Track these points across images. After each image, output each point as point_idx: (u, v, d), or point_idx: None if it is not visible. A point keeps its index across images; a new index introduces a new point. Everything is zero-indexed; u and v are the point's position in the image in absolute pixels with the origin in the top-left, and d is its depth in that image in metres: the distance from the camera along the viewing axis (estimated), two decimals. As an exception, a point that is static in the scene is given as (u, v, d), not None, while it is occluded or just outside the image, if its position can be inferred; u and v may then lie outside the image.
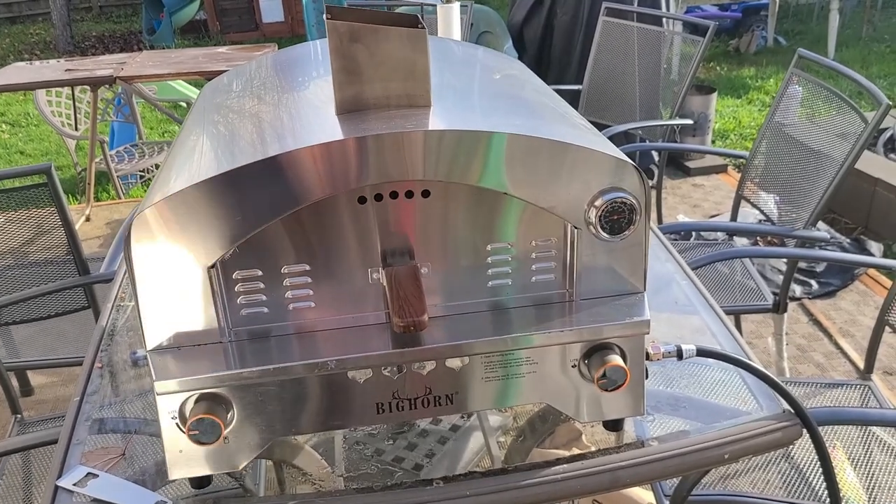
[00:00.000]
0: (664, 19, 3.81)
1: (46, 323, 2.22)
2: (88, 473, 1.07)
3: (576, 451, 1.43)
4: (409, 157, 0.91)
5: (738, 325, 2.62)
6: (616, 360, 1.02)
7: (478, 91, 1.19)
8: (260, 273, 0.97)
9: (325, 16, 0.94)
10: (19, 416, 1.92)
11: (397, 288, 0.95)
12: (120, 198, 4.39)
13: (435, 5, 2.33)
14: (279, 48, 4.46)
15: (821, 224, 3.67)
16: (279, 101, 1.13)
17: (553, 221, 1.00)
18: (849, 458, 1.74)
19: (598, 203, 0.97)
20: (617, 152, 0.98)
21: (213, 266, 0.93)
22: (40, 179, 1.94)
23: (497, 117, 1.06)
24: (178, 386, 0.94)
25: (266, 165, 0.88)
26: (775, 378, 1.16)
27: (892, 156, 4.12)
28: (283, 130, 0.97)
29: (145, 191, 4.65)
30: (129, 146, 4.74)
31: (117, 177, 4.37)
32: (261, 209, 0.90)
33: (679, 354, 1.12)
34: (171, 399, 0.95)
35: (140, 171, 4.59)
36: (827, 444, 1.75)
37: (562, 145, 0.94)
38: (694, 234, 3.35)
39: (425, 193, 0.96)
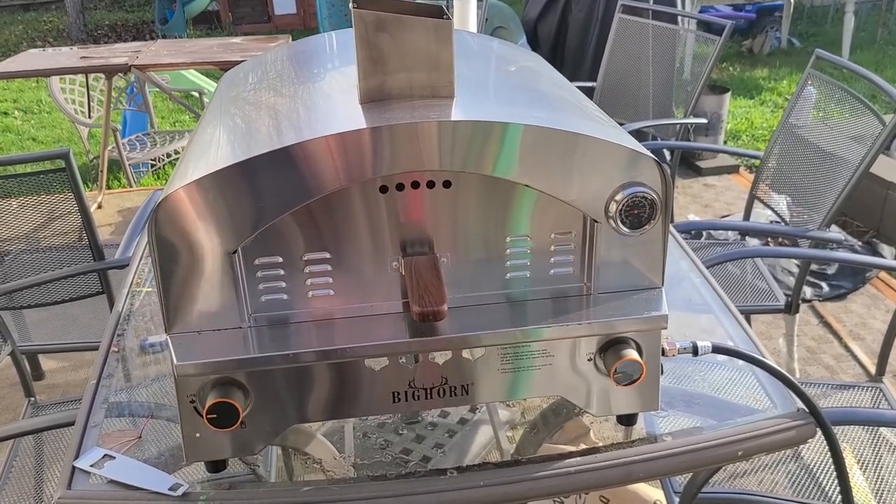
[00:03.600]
0: (679, 18, 3.80)
1: (57, 307, 2.23)
2: (105, 455, 1.08)
3: (583, 447, 1.43)
4: (425, 147, 0.91)
5: (748, 324, 2.62)
6: (632, 354, 1.02)
7: (497, 83, 1.19)
8: (281, 260, 0.97)
9: (351, 4, 0.94)
10: (32, 399, 1.93)
11: (417, 277, 0.96)
12: (131, 186, 4.41)
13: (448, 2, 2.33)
14: (292, 40, 4.47)
15: (833, 227, 3.66)
16: (301, 91, 1.13)
17: (572, 214, 1.00)
18: (857, 460, 1.74)
19: (618, 197, 0.97)
20: (638, 146, 0.98)
21: (234, 252, 0.94)
22: (57, 165, 1.95)
23: (516, 109, 1.06)
24: (198, 369, 0.95)
25: (289, 153, 0.88)
26: (789, 376, 1.16)
27: (905, 160, 4.10)
28: (307, 120, 0.98)
29: (156, 180, 4.66)
30: (142, 135, 4.75)
31: (129, 165, 4.39)
32: (283, 197, 0.91)
33: (695, 350, 1.12)
34: (190, 382, 0.96)
35: (151, 160, 4.61)
36: (837, 445, 1.76)
37: (583, 138, 0.94)
38: (705, 233, 3.35)
39: (446, 184, 0.96)
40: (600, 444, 1.40)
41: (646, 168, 0.97)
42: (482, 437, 2.03)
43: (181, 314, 0.96)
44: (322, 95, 1.08)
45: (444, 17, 0.96)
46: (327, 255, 0.98)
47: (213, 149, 0.98)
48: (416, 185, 0.96)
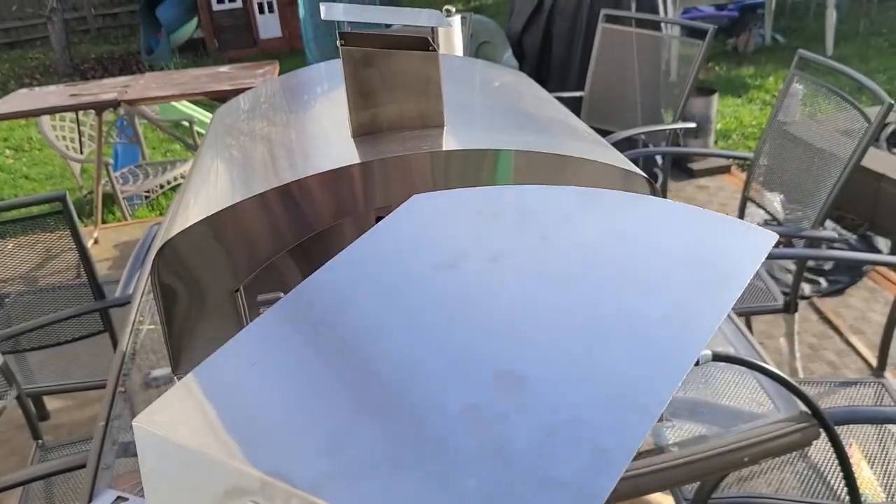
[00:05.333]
0: (662, 23, 3.84)
1: (60, 346, 2.23)
2: (118, 497, 1.09)
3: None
4: (419, 177, 0.92)
5: (748, 326, 2.63)
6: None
7: (485, 107, 1.21)
8: (283, 295, 0.98)
9: (339, 42, 0.96)
10: (41, 441, 1.93)
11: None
12: (126, 219, 4.42)
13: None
14: (279, 63, 4.49)
15: (827, 222, 3.68)
16: (294, 126, 1.15)
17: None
18: (864, 455, 1.75)
19: (612, 215, 0.99)
20: (626, 163, 1.00)
21: (237, 290, 0.95)
22: (54, 207, 1.96)
23: (506, 134, 1.08)
24: (206, 409, 0.96)
25: (286, 191, 0.90)
26: (791, 380, 1.17)
27: (895, 150, 4.14)
28: (302, 157, 0.99)
29: (151, 211, 4.67)
30: (134, 167, 4.77)
31: (123, 198, 4.40)
32: (282, 233, 0.92)
33: (696, 360, 1.13)
34: (199, 422, 0.97)
35: (145, 191, 4.62)
36: (843, 443, 1.77)
37: (573, 160, 0.96)
38: (700, 235, 3.35)
39: (442, 211, 0.98)
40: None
41: (636, 185, 0.98)
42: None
43: (187, 354, 0.97)
44: (315, 131, 1.09)
45: (430, 48, 0.98)
46: (328, 288, 0.99)
47: (209, 190, 1.00)
48: (411, 214, 0.98)
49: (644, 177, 0.99)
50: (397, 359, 0.51)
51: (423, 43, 0.99)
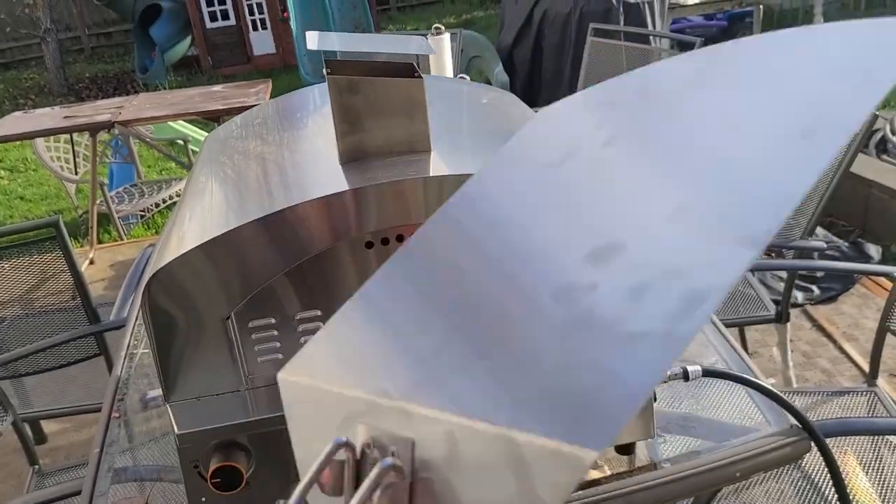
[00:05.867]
0: (651, 36, 3.87)
1: (55, 370, 2.24)
2: (114, 525, 1.09)
3: (590, 472, 1.44)
4: (406, 202, 0.94)
5: (742, 335, 2.64)
6: (624, 386, 1.04)
7: (471, 130, 1.22)
8: (274, 321, 0.99)
9: (325, 70, 0.97)
10: (37, 466, 1.93)
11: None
12: (122, 239, 4.43)
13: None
14: (272, 80, 4.51)
15: (819, 230, 3.70)
16: (283, 153, 1.16)
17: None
18: (860, 463, 1.76)
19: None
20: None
21: (228, 318, 0.96)
22: (48, 233, 1.97)
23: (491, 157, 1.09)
24: (199, 436, 0.97)
25: (274, 219, 0.91)
26: (780, 394, 1.18)
27: (884, 157, 4.16)
28: (289, 183, 1.01)
29: (146, 230, 4.68)
30: (129, 187, 4.78)
31: (118, 218, 4.41)
32: (270, 261, 0.93)
33: (685, 376, 1.14)
34: (192, 449, 0.98)
35: (141, 211, 4.63)
36: (837, 451, 1.77)
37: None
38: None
39: (430, 235, 0.99)
40: (606, 467, 1.42)
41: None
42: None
43: (179, 382, 0.98)
44: (303, 158, 1.11)
45: (416, 74, 0.99)
46: (319, 313, 1.01)
47: (198, 218, 1.01)
48: (400, 238, 0.99)
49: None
50: (498, 261, 0.53)
51: (409, 69, 1.01)
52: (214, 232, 0.92)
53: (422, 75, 0.99)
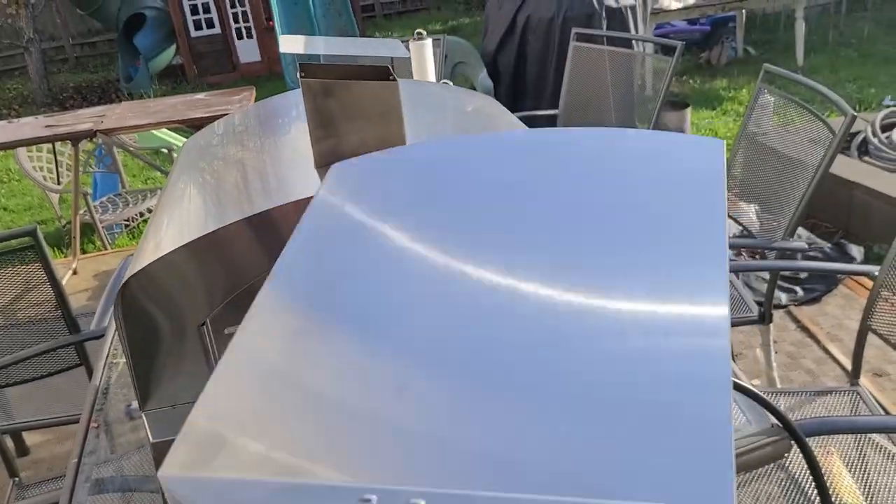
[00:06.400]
0: (634, 41, 3.89)
1: (39, 380, 2.21)
2: (90, 536, 1.08)
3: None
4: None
5: (727, 337, 2.65)
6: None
7: (449, 133, 1.22)
8: (249, 327, 0.98)
9: (299, 74, 0.97)
10: (17, 479, 1.91)
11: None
12: (106, 249, 4.40)
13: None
14: (257, 88, 4.50)
15: (801, 231, 3.72)
16: (259, 158, 1.15)
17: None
18: (845, 463, 1.76)
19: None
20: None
21: (202, 324, 0.95)
22: (26, 241, 1.95)
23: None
24: (175, 444, 0.95)
25: (248, 224, 0.90)
26: (760, 393, 1.18)
27: (866, 158, 4.19)
28: (265, 188, 1.00)
29: (131, 240, 4.65)
30: (113, 196, 4.75)
31: (102, 227, 4.38)
32: (245, 266, 0.92)
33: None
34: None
35: (125, 220, 4.60)
36: (822, 451, 1.78)
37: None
38: (678, 248, 3.38)
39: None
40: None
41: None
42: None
43: (154, 391, 0.97)
44: (280, 162, 1.10)
45: (391, 77, 0.99)
46: (295, 319, 1.00)
47: (171, 226, 1.00)
48: (376, 242, 0.98)
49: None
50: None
51: (384, 72, 1.01)
52: (186, 238, 0.91)
53: (396, 78, 0.98)
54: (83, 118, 3.85)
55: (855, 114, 2.01)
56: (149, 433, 0.95)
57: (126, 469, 1.33)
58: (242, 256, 0.92)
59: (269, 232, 0.91)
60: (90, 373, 2.14)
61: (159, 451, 0.95)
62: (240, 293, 0.95)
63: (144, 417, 0.97)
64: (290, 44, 1.00)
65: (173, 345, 0.95)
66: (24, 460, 2.68)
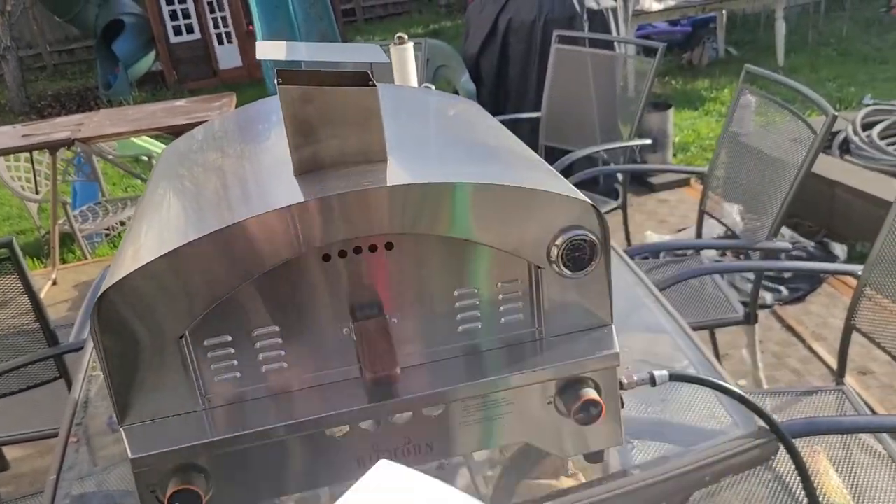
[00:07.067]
0: (616, 42, 3.89)
1: (19, 394, 2.18)
2: (69, 555, 1.06)
3: (563, 480, 1.43)
4: (362, 213, 0.92)
5: (713, 337, 2.65)
6: (590, 393, 1.03)
7: (434, 139, 1.21)
8: (230, 339, 0.97)
9: (276, 80, 0.95)
10: (-4, 494, 1.87)
11: (367, 343, 0.96)
12: (86, 258, 4.35)
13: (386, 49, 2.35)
14: (238, 93, 4.46)
15: (785, 230, 3.74)
16: (238, 165, 1.14)
17: (516, 263, 1.02)
18: (832, 462, 1.76)
19: (559, 242, 0.99)
20: (575, 192, 1.00)
21: (181, 336, 0.93)
22: (3, 253, 1.92)
23: (455, 166, 1.08)
24: (155, 460, 0.93)
25: (227, 234, 0.88)
26: (746, 396, 1.17)
27: (847, 157, 4.22)
28: (244, 196, 0.98)
29: (112, 248, 4.60)
30: (93, 205, 4.70)
31: (82, 237, 4.33)
32: (225, 277, 0.90)
33: (652, 381, 1.14)
34: (148, 473, 0.94)
35: (105, 229, 4.55)
36: (809, 451, 1.78)
37: (518, 190, 0.96)
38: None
39: (388, 246, 0.97)
40: (580, 474, 1.41)
41: (582, 212, 0.99)
42: (462, 481, 2.02)
43: (133, 405, 0.95)
44: (259, 170, 1.08)
45: (370, 83, 0.97)
46: (277, 329, 0.98)
47: (147, 236, 0.98)
48: (358, 250, 0.97)
49: (592, 205, 1.00)
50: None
51: (363, 78, 0.99)
52: (164, 248, 0.89)
53: (376, 84, 0.97)
54: (60, 126, 3.81)
55: (836, 113, 2.02)
56: (128, 449, 0.92)
57: (108, 483, 1.31)
58: (222, 266, 0.90)
59: (249, 241, 0.89)
60: (70, 385, 2.10)
61: (139, 467, 0.93)
62: (220, 304, 0.93)
63: (123, 432, 0.94)
64: (267, 50, 0.98)
65: (151, 357, 0.93)
66: (4, 475, 2.64)
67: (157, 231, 1.00)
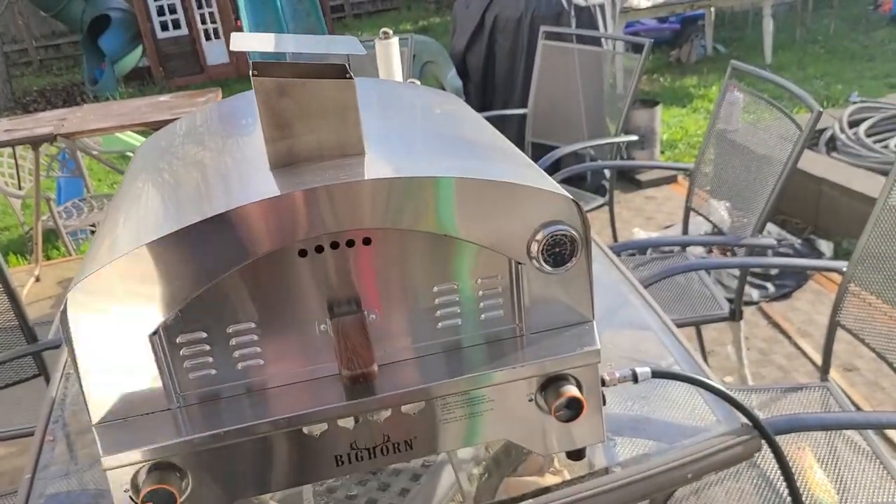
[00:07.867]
0: (603, 38, 3.89)
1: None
2: (42, 555, 1.04)
3: (548, 477, 1.42)
4: (351, 207, 0.90)
5: (699, 334, 2.65)
6: (571, 390, 1.02)
7: (416, 133, 1.19)
8: (204, 335, 0.95)
9: (252, 72, 0.93)
10: (-26, 493, 1.85)
11: (344, 340, 0.94)
12: (70, 255, 4.31)
13: (372, 44, 2.34)
14: (225, 89, 4.43)
15: (772, 227, 3.75)
16: (215, 158, 1.12)
17: (496, 258, 1.00)
18: (817, 458, 1.76)
19: (539, 237, 0.98)
20: (556, 187, 0.99)
21: (154, 333, 0.91)
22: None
23: (437, 160, 1.06)
24: (128, 459, 0.92)
25: (201, 227, 0.87)
26: (728, 392, 1.17)
27: (833, 154, 4.23)
28: (220, 189, 0.96)
29: (97, 245, 4.56)
30: (77, 201, 4.65)
31: (66, 233, 4.28)
32: (199, 272, 0.89)
33: (634, 378, 1.13)
34: (121, 472, 0.93)
35: (90, 225, 4.51)
36: (794, 448, 1.78)
37: (498, 184, 0.95)
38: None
39: (366, 241, 0.96)
40: (565, 470, 1.40)
41: (563, 207, 0.98)
42: (447, 479, 2.01)
43: (105, 403, 0.93)
44: (234, 164, 1.06)
45: (347, 76, 0.96)
46: (252, 325, 0.96)
47: (119, 231, 0.96)
48: (335, 245, 0.95)
49: (573, 200, 0.98)
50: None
51: (340, 70, 0.97)
52: (132, 246, 0.87)
53: (353, 76, 0.95)
54: (44, 122, 3.77)
55: (822, 109, 2.01)
56: (100, 448, 0.91)
57: (86, 482, 1.29)
58: (195, 262, 0.88)
59: (221, 237, 0.88)
60: (49, 383, 2.08)
61: (110, 465, 0.91)
62: (194, 300, 0.91)
63: (95, 432, 0.93)
64: (242, 41, 0.97)
65: (124, 356, 0.91)
66: (-16, 474, 2.61)
67: (127, 228, 0.98)
